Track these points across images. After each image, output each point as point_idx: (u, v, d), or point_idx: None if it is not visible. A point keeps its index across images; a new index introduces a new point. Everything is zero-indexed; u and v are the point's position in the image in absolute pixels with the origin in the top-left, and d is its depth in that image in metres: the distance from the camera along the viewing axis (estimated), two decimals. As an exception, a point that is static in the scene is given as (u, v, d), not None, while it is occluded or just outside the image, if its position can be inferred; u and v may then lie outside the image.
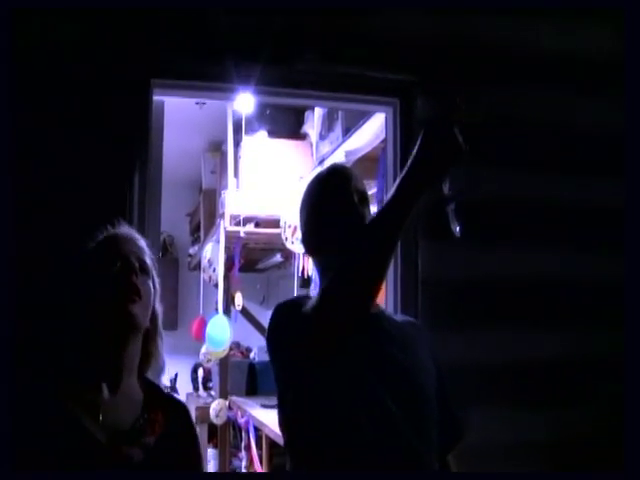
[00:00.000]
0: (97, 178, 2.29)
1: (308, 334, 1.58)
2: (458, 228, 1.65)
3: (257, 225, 4.67)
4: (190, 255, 6.88)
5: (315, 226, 1.77)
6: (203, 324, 5.25)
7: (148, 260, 1.70)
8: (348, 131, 3.74)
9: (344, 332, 1.56)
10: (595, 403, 2.72)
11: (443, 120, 1.54)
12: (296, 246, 4.13)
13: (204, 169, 6.01)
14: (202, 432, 5.60)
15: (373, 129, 3.31)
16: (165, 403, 1.73)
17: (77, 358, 1.63)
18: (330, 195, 1.76)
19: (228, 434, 5.83)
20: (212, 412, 5.46)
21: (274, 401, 1.84)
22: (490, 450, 2.47)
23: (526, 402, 2.65)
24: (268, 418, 4.32)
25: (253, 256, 5.68)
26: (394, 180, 2.60)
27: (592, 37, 2.88)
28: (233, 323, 4.99)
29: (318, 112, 4.50)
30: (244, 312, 5.77)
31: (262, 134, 4.98)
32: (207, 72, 2.48)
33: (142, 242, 1.73)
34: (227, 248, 4.79)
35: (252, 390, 5.71)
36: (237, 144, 4.95)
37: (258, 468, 4.89)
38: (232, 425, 5.78)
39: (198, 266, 5.83)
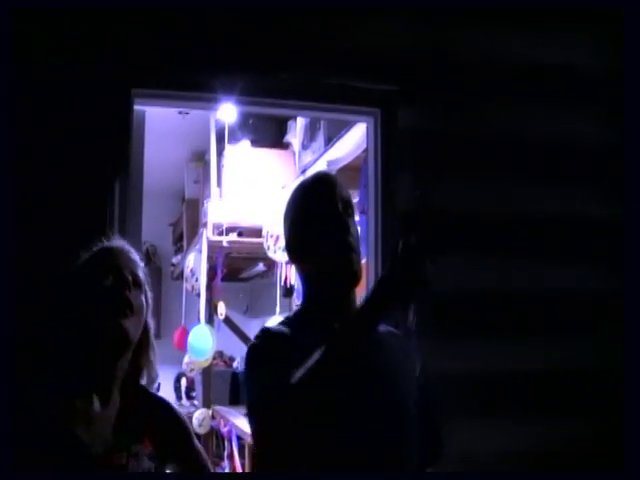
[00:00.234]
0: (77, 188, 2.28)
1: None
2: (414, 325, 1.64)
3: (240, 234, 4.68)
4: (173, 264, 6.87)
5: (299, 234, 1.74)
6: (185, 334, 5.25)
7: (141, 274, 1.71)
8: (330, 141, 3.76)
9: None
10: (579, 413, 2.72)
11: (407, 254, 1.46)
12: (278, 255, 4.13)
13: (187, 179, 6.01)
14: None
15: (355, 139, 3.33)
16: (153, 407, 1.74)
17: (69, 369, 1.63)
18: (315, 203, 1.72)
19: (211, 443, 5.81)
20: (195, 421, 5.44)
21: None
22: (474, 459, 2.48)
23: (509, 412, 2.64)
24: (251, 427, 4.29)
25: (236, 265, 5.67)
26: (376, 189, 2.63)
27: (575, 49, 2.89)
28: (216, 332, 4.98)
29: (300, 122, 4.52)
30: (227, 321, 5.76)
31: (245, 143, 4.98)
32: (189, 82, 2.48)
33: (135, 255, 1.74)
34: (210, 257, 4.79)
35: (235, 399, 5.71)
36: (220, 153, 4.96)
37: (241, 477, 4.88)
38: (215, 434, 5.77)
39: (181, 275, 5.83)
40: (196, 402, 6.25)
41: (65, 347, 1.64)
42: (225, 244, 4.60)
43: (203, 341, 4.64)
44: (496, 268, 2.69)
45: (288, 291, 4.65)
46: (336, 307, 1.69)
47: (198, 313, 4.82)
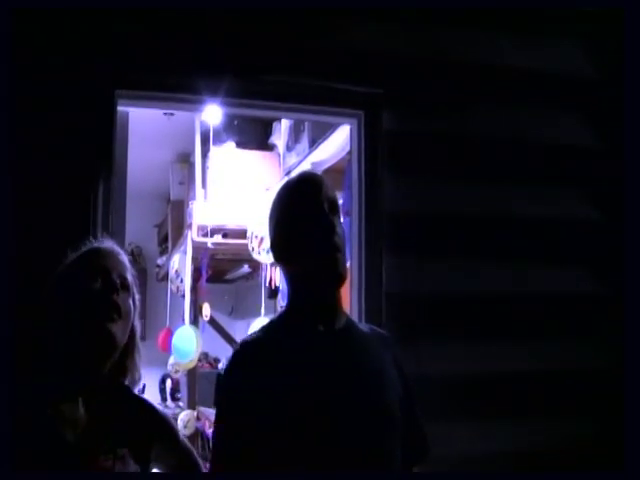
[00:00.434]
0: (60, 189, 2.27)
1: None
2: None
3: (225, 236, 4.68)
4: (158, 266, 6.86)
5: (284, 233, 1.72)
6: (169, 335, 5.24)
7: (129, 276, 1.69)
8: (315, 143, 3.77)
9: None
10: (566, 414, 2.74)
11: None
12: (263, 257, 4.14)
13: (172, 180, 6.00)
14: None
15: (339, 141, 3.34)
16: (138, 409, 1.74)
17: (54, 371, 1.63)
18: (300, 202, 1.70)
19: (196, 445, 5.80)
20: (180, 423, 5.43)
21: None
22: (457, 462, 2.48)
23: (493, 414, 2.65)
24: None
25: (221, 267, 5.67)
26: (359, 191, 2.64)
27: (557, 53, 2.91)
28: (201, 334, 4.98)
29: (285, 124, 4.53)
30: (212, 323, 5.76)
31: (230, 145, 4.99)
32: (173, 83, 2.48)
33: (124, 257, 1.73)
34: (195, 259, 4.79)
35: (220, 401, 5.68)
36: (205, 155, 4.95)
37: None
38: (200, 436, 5.76)
39: (166, 277, 5.82)
40: (181, 403, 6.25)
41: (51, 349, 1.63)
42: (210, 245, 4.60)
43: (187, 343, 4.63)
44: (479, 272, 2.71)
45: (273, 292, 4.65)
46: (321, 307, 1.69)
47: (183, 314, 4.82)
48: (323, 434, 1.57)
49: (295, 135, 4.25)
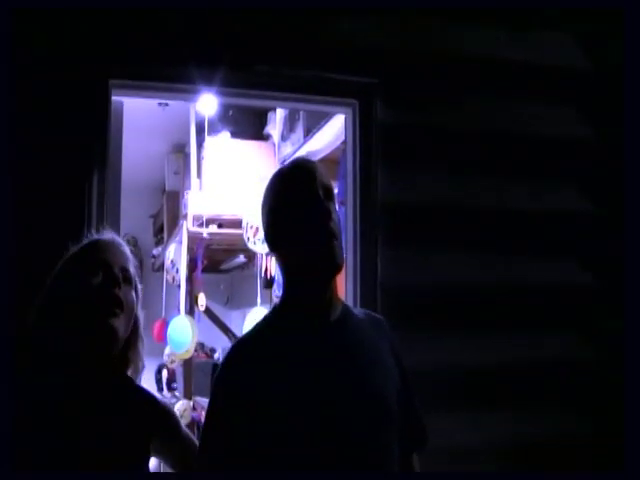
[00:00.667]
0: (54, 180, 2.26)
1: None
2: None
3: (220, 226, 4.68)
4: (154, 256, 6.86)
5: (279, 221, 1.67)
6: (164, 326, 5.24)
7: (131, 268, 1.68)
8: (309, 132, 3.77)
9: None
10: (565, 406, 2.75)
11: None
12: (258, 247, 4.14)
13: (167, 170, 6.00)
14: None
15: (334, 130, 3.34)
16: (141, 401, 1.73)
17: (56, 366, 1.60)
18: (294, 189, 1.66)
19: (193, 434, 5.80)
20: (177, 413, 5.44)
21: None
22: (455, 452, 2.49)
23: (486, 405, 2.66)
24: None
25: (217, 257, 5.67)
26: (354, 181, 2.64)
27: (550, 46, 2.91)
28: (197, 324, 4.98)
29: (280, 113, 4.52)
30: (208, 313, 5.76)
31: (225, 135, 4.98)
32: (166, 73, 2.48)
33: (126, 248, 1.71)
34: (190, 249, 4.79)
35: (216, 391, 5.69)
36: (200, 145, 4.95)
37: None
38: (196, 426, 5.76)
39: (162, 267, 5.82)
40: (177, 393, 6.25)
41: (53, 344, 1.60)
42: (205, 235, 4.60)
43: (182, 333, 4.62)
44: (470, 263, 2.71)
45: (268, 282, 4.66)
46: (317, 296, 1.67)
47: (178, 305, 4.82)
48: (319, 428, 1.56)
49: (290, 124, 4.24)
